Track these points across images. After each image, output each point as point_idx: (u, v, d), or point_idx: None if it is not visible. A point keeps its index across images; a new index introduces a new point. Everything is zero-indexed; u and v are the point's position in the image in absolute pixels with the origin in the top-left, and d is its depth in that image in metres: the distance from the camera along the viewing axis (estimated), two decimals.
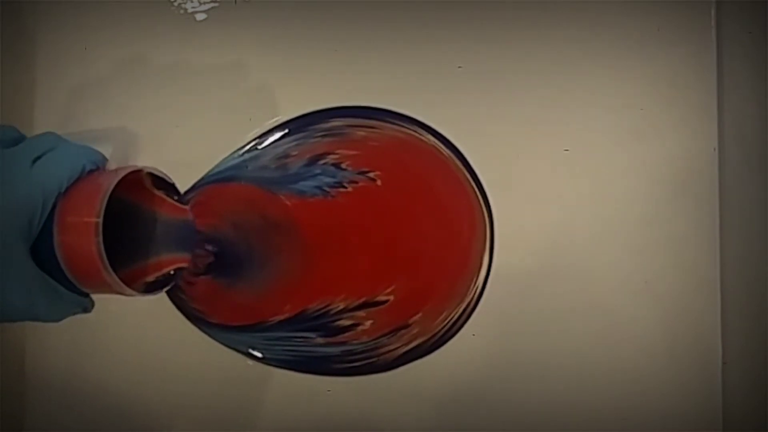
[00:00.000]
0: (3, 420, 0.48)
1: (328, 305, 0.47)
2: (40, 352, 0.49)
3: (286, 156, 0.48)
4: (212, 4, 0.49)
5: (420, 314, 0.47)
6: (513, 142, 0.47)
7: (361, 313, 0.47)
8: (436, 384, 0.46)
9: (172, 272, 0.39)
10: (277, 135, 0.48)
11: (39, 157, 0.32)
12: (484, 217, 0.47)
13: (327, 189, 0.47)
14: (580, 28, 0.47)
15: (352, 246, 0.47)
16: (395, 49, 0.48)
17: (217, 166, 0.48)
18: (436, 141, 0.47)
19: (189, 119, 0.47)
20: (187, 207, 0.39)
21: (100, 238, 0.31)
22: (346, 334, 0.47)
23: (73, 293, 0.33)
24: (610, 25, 0.47)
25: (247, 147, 0.48)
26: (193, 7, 0.49)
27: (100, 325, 0.48)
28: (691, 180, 0.46)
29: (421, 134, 0.47)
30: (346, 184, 0.47)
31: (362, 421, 0.47)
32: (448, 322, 0.46)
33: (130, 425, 0.48)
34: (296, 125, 0.48)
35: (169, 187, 0.38)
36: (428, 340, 0.46)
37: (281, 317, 0.47)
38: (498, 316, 0.46)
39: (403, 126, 0.48)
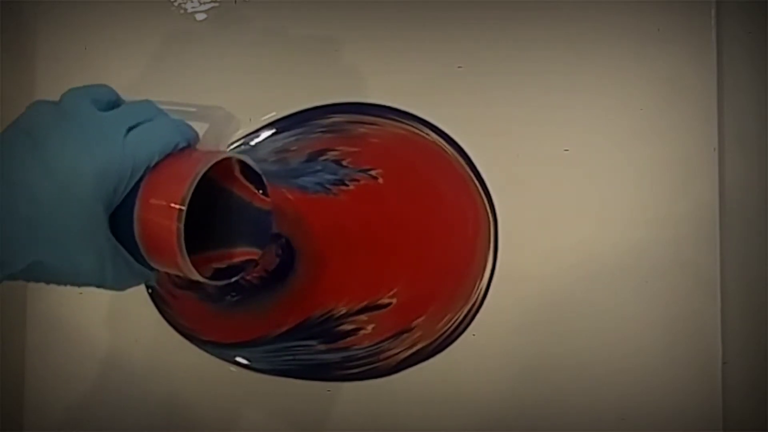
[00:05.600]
0: (3, 420, 0.48)
1: (330, 311, 0.46)
2: (40, 352, 0.49)
3: (285, 150, 0.47)
4: (212, 4, 0.49)
5: (423, 317, 0.46)
6: (512, 143, 0.46)
7: (363, 317, 0.46)
8: (438, 387, 0.45)
9: (241, 264, 0.37)
10: (273, 130, 0.48)
11: (133, 126, 0.31)
12: (488, 216, 0.46)
13: (328, 186, 0.47)
14: (580, 29, 0.47)
15: (354, 247, 0.46)
16: (395, 50, 0.48)
17: None
18: (438, 138, 0.47)
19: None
20: (270, 200, 0.37)
21: (182, 225, 0.30)
22: (348, 339, 0.46)
23: (140, 265, 0.32)
24: (610, 25, 0.47)
25: (241, 141, 0.47)
26: (193, 7, 0.49)
27: (99, 328, 0.48)
28: (691, 180, 0.46)
29: (422, 131, 0.47)
30: (347, 182, 0.47)
31: (363, 425, 0.46)
32: (451, 325, 0.46)
33: (128, 425, 0.48)
34: (294, 121, 0.48)
35: (256, 178, 0.37)
36: (431, 343, 0.45)
37: (284, 329, 0.46)
38: (502, 318, 0.45)
39: (404, 123, 0.47)
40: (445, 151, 0.47)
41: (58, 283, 0.31)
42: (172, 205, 0.30)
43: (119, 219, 0.31)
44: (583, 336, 0.45)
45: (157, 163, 0.31)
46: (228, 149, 0.46)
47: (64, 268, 0.30)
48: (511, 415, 0.45)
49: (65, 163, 0.29)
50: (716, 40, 0.46)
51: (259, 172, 0.36)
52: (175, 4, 0.49)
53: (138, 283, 0.34)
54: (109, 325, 0.48)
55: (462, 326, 0.45)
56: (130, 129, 0.31)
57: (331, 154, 0.47)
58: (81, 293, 0.48)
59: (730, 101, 0.46)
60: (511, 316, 0.45)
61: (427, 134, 0.47)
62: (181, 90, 0.47)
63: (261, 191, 0.37)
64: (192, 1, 0.49)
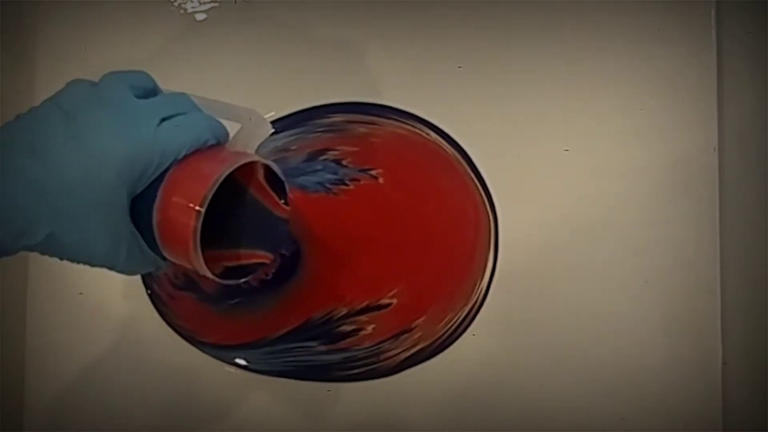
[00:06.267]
0: (3, 420, 0.47)
1: (331, 311, 0.46)
2: (40, 353, 0.48)
3: (285, 149, 0.47)
4: (212, 4, 0.49)
5: (423, 317, 0.45)
6: (512, 143, 0.46)
7: (364, 318, 0.45)
8: (438, 388, 0.45)
9: (250, 265, 0.38)
10: (273, 129, 0.47)
11: (167, 117, 0.31)
12: (488, 216, 0.46)
13: (329, 186, 0.46)
14: (580, 29, 0.47)
15: (355, 247, 0.46)
16: (395, 50, 0.47)
17: None
18: (438, 138, 0.46)
19: None
20: (288, 209, 0.38)
21: (199, 225, 0.30)
22: (348, 340, 0.45)
23: (153, 252, 0.33)
24: (610, 25, 0.46)
25: None
26: (193, 7, 0.49)
27: (98, 328, 0.48)
28: (691, 180, 0.45)
29: (422, 131, 0.47)
30: (347, 182, 0.46)
31: (364, 425, 0.46)
32: (452, 325, 0.45)
33: (128, 426, 0.48)
34: (294, 120, 0.47)
35: (278, 185, 0.37)
36: (431, 344, 0.45)
37: (284, 331, 0.46)
38: (502, 318, 0.45)
39: (404, 122, 0.47)
40: (446, 151, 0.46)
41: (71, 259, 0.31)
42: (191, 205, 0.30)
43: (139, 206, 0.31)
44: (583, 336, 0.45)
45: (184, 157, 0.32)
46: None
47: (80, 245, 0.30)
48: (512, 416, 0.45)
49: (96, 144, 0.29)
50: (716, 40, 0.46)
51: (284, 179, 0.36)
52: (175, 4, 0.49)
53: (148, 270, 0.34)
54: (108, 326, 0.48)
55: (462, 326, 0.45)
56: (163, 120, 0.31)
57: (331, 154, 0.47)
58: (81, 293, 0.48)
59: (730, 101, 0.46)
60: (511, 316, 0.45)
61: (427, 134, 0.47)
62: (180, 90, 0.47)
63: (282, 200, 0.37)
64: (192, 1, 0.49)
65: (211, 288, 0.47)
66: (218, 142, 0.33)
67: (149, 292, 0.48)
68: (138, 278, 0.48)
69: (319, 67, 0.47)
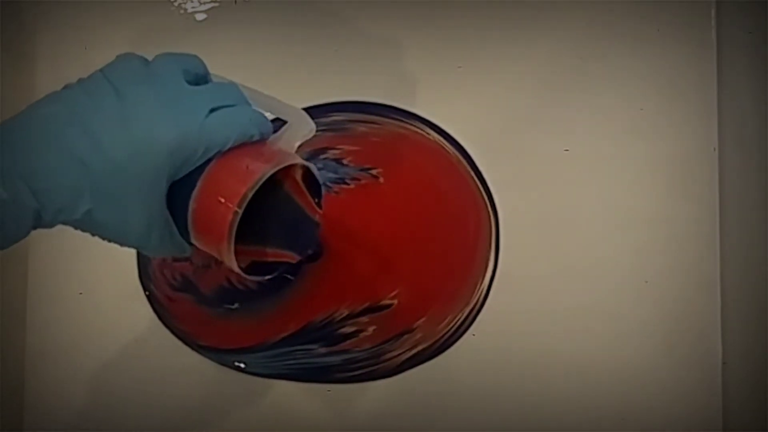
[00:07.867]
0: (3, 420, 0.47)
1: (332, 313, 0.45)
2: (39, 354, 0.48)
3: None
4: (212, 4, 0.48)
5: (424, 318, 0.45)
6: (513, 143, 0.46)
7: (365, 319, 0.45)
8: (439, 389, 0.45)
9: (275, 263, 0.38)
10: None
11: (216, 108, 0.31)
12: (489, 216, 0.45)
13: (329, 184, 0.46)
14: (580, 28, 0.47)
15: (356, 247, 0.46)
16: (396, 49, 0.47)
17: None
18: (439, 137, 0.46)
19: None
20: (321, 212, 0.38)
21: (236, 223, 0.30)
22: (349, 342, 0.45)
23: (182, 238, 0.33)
24: (610, 25, 0.46)
25: None
26: (193, 7, 0.49)
27: (97, 330, 0.47)
28: (691, 180, 0.45)
29: (423, 130, 0.46)
30: (348, 181, 0.46)
31: (364, 426, 0.45)
32: (452, 326, 0.45)
33: (126, 427, 0.47)
34: None
35: (313, 187, 0.37)
36: (432, 345, 0.45)
37: (284, 335, 0.46)
38: (502, 319, 0.45)
39: (405, 122, 0.46)
40: (446, 151, 0.46)
41: (104, 237, 0.31)
42: (230, 205, 0.30)
43: (176, 191, 0.31)
44: (583, 336, 0.45)
45: (228, 150, 0.31)
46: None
47: (115, 225, 0.30)
48: (512, 416, 0.45)
49: (144, 126, 0.29)
50: (716, 40, 0.46)
51: (321, 182, 0.36)
52: (175, 4, 0.49)
53: (174, 254, 0.34)
54: (107, 327, 0.47)
55: (463, 327, 0.45)
56: (212, 110, 0.31)
57: (331, 153, 0.46)
58: (81, 293, 0.48)
59: (730, 101, 0.46)
60: (511, 316, 0.45)
61: (428, 134, 0.46)
62: None
63: (316, 201, 0.37)
64: (192, 1, 0.49)
65: (209, 290, 0.47)
66: (262, 138, 0.33)
67: (147, 293, 0.47)
68: (137, 279, 0.47)
69: (319, 66, 0.47)
